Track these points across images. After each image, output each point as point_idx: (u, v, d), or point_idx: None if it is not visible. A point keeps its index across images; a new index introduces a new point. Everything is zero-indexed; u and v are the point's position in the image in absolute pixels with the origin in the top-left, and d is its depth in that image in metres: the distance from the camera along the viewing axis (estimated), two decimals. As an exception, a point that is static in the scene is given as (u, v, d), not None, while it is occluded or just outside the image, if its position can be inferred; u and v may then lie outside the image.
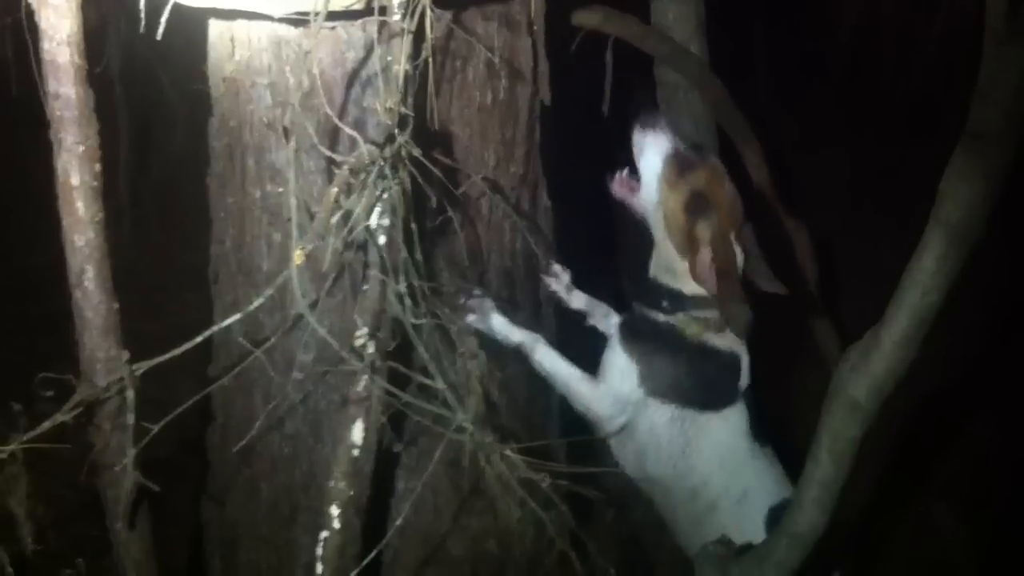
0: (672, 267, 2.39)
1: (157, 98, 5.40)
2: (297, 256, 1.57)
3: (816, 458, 1.87)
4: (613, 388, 2.40)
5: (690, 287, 2.37)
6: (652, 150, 2.39)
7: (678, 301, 2.39)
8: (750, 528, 2.34)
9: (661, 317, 2.40)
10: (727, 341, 2.40)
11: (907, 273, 1.72)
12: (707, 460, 2.40)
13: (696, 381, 2.39)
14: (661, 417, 2.39)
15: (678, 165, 2.36)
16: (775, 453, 2.48)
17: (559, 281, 2.61)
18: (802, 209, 3.62)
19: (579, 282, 2.64)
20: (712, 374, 2.42)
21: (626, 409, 2.40)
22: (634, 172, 2.44)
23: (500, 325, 2.36)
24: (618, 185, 2.46)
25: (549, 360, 2.39)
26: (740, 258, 2.34)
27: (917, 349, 1.74)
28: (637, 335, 2.42)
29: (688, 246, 2.33)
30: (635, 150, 2.42)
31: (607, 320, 2.62)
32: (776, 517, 2.24)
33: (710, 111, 3.45)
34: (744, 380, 2.44)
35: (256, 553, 2.50)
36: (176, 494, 2.56)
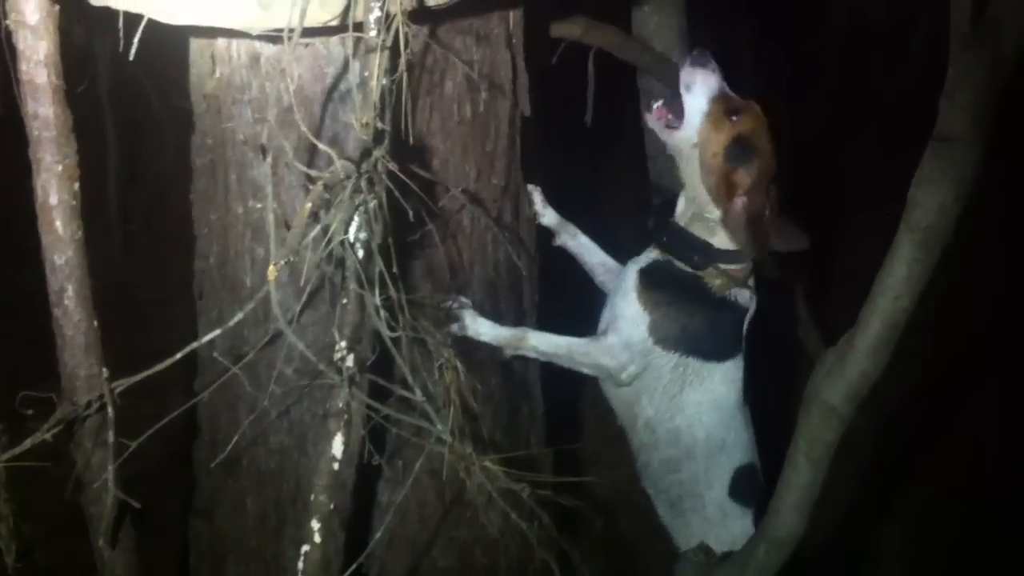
0: (703, 216, 2.37)
1: (147, 115, 5.42)
2: (271, 272, 1.57)
3: (794, 462, 1.89)
4: (623, 336, 2.38)
5: (720, 240, 2.36)
6: (700, 88, 2.35)
7: (707, 255, 2.37)
8: (716, 482, 2.39)
9: (687, 268, 2.39)
10: (745, 296, 2.40)
11: (879, 279, 1.74)
12: (697, 405, 2.41)
13: (709, 333, 2.39)
14: (665, 364, 2.39)
15: (726, 107, 2.33)
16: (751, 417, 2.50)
17: (535, 197, 2.63)
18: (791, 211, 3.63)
19: (565, 297, 2.66)
20: (726, 327, 2.42)
21: (637, 359, 2.39)
22: (671, 106, 2.40)
23: (486, 328, 2.36)
24: (656, 115, 2.42)
25: (544, 342, 2.39)
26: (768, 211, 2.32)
27: (890, 353, 1.76)
28: (655, 286, 2.39)
29: (724, 191, 2.30)
30: (681, 85, 2.37)
31: (575, 240, 2.65)
32: (739, 481, 2.27)
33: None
34: (744, 334, 2.44)
35: (244, 567, 2.51)
36: (163, 509, 2.57)
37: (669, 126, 2.39)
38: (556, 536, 2.06)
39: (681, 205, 2.44)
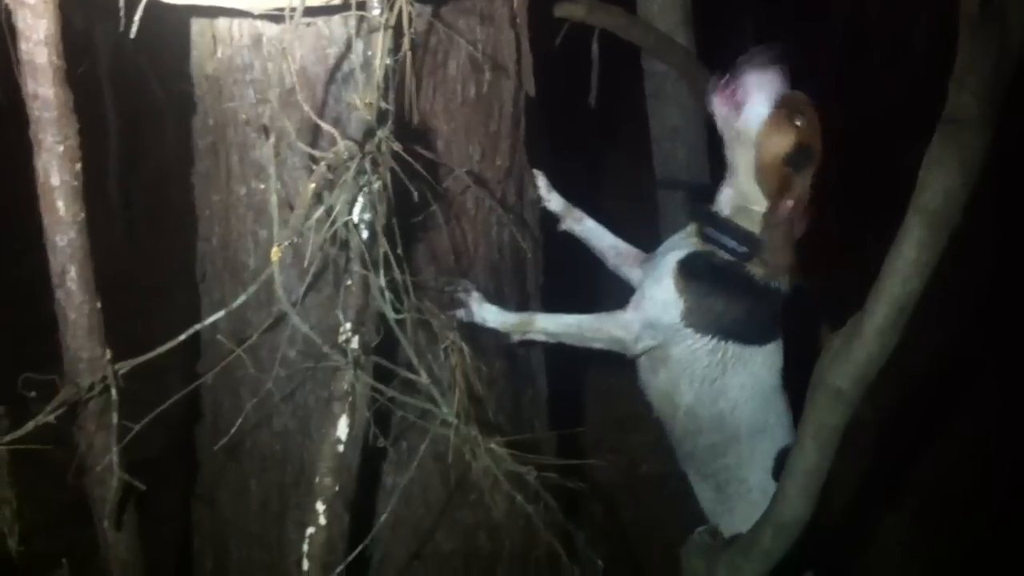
0: (749, 208, 2.35)
1: (149, 97, 5.40)
2: (274, 253, 1.56)
3: (800, 447, 1.88)
4: (647, 316, 2.36)
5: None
6: (766, 88, 2.30)
7: (753, 244, 2.34)
8: (760, 465, 2.37)
9: (729, 258, 2.36)
10: (785, 284, 2.38)
11: (887, 262, 1.73)
12: (740, 388, 2.39)
13: (749, 319, 2.36)
14: (702, 347, 2.37)
15: (791, 110, 2.29)
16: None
17: (540, 182, 2.62)
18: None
19: (569, 280, 2.65)
20: (765, 312, 2.40)
21: (657, 335, 2.37)
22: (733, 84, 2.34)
23: (493, 314, 2.34)
24: (720, 95, 2.36)
25: (553, 322, 2.37)
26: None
27: (898, 337, 1.75)
28: (694, 275, 2.36)
29: (778, 193, 2.28)
30: (746, 82, 2.31)
31: (581, 224, 2.63)
32: (782, 459, 2.23)
33: (697, 100, 3.44)
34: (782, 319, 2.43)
35: (248, 551, 2.50)
36: (166, 493, 2.57)
37: (735, 109, 2.33)
38: (561, 519, 2.05)
39: (725, 194, 2.40)
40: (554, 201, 2.64)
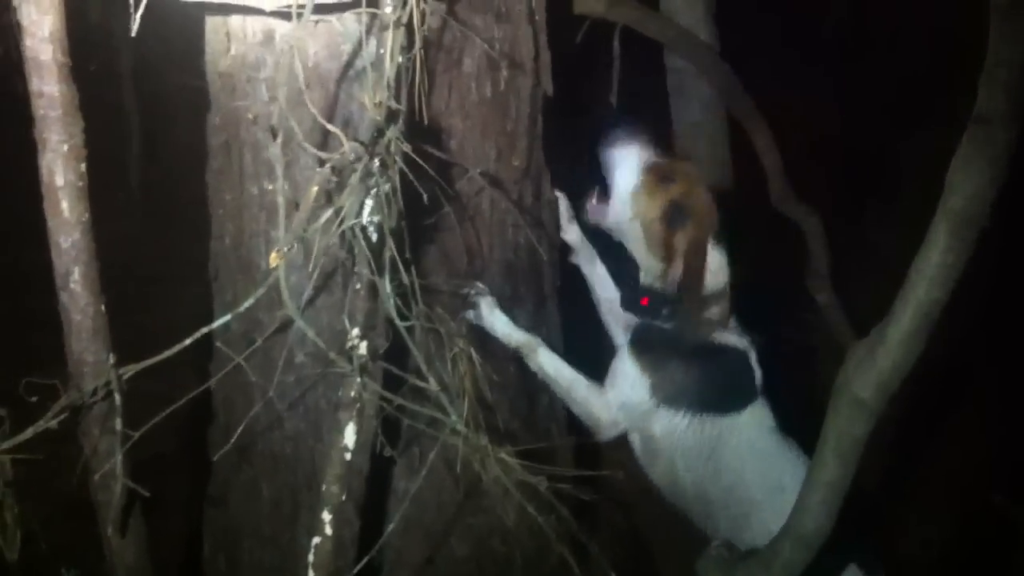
0: (661, 274, 2.37)
1: (167, 94, 5.40)
2: (273, 258, 1.52)
3: (822, 458, 1.82)
4: (622, 396, 2.36)
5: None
6: (626, 164, 2.38)
7: (677, 304, 2.35)
8: None
9: (666, 324, 2.37)
10: (733, 338, 2.37)
11: (914, 267, 1.67)
12: (739, 460, 2.35)
13: (711, 386, 2.36)
14: (679, 425, 2.35)
15: (656, 176, 2.36)
16: (799, 446, 2.43)
17: (561, 209, 2.60)
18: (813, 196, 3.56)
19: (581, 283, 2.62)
20: (726, 376, 2.38)
21: (631, 417, 2.37)
22: (603, 193, 2.43)
23: (501, 325, 2.33)
24: (592, 211, 2.46)
25: (550, 364, 2.36)
26: (720, 270, 2.34)
27: (923, 345, 1.69)
28: (646, 345, 2.38)
29: (667, 254, 2.33)
30: (606, 165, 2.41)
31: (591, 266, 2.62)
32: None
33: (719, 97, 3.40)
34: (758, 375, 2.39)
35: (260, 553, 2.48)
36: (174, 492, 2.54)
37: (603, 211, 2.42)
38: (574, 529, 2.01)
39: (642, 271, 2.43)
40: (571, 233, 2.62)
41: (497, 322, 2.32)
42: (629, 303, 2.45)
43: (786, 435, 2.42)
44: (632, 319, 2.46)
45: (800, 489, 1.91)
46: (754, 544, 2.32)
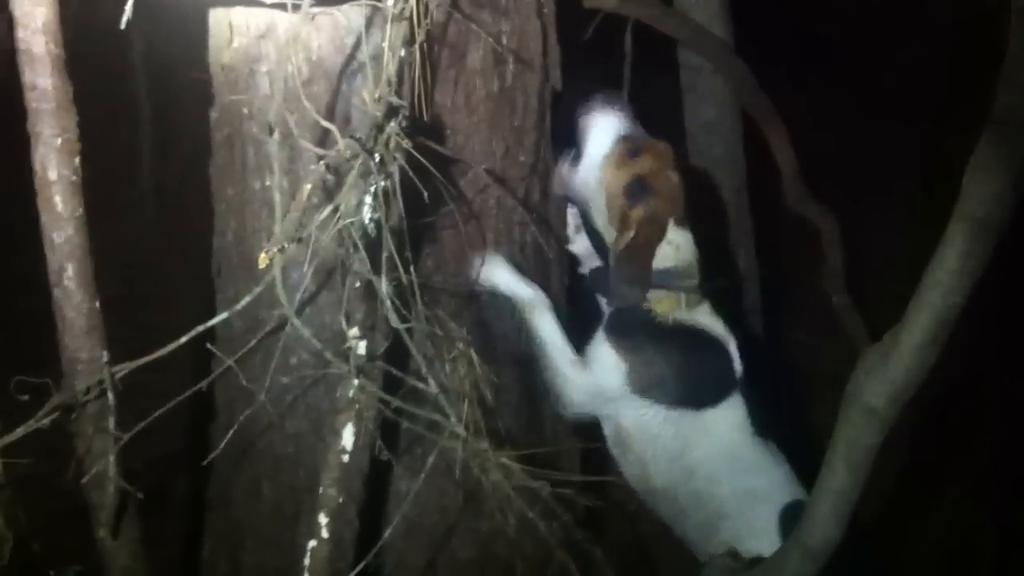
0: (614, 243, 2.31)
1: (178, 88, 5.38)
2: (262, 259, 1.48)
3: (831, 467, 1.77)
4: (597, 380, 2.31)
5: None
6: (601, 131, 2.35)
7: (616, 271, 2.30)
8: (762, 532, 2.22)
9: (636, 305, 2.32)
10: (706, 319, 2.33)
11: (928, 272, 1.61)
12: (709, 460, 2.29)
13: (688, 376, 2.30)
14: (653, 419, 2.29)
15: (627, 149, 2.32)
16: (778, 448, 2.37)
17: (569, 220, 2.58)
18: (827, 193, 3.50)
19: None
20: (703, 366, 2.33)
21: (599, 403, 2.33)
22: (576, 161, 2.40)
23: (507, 278, 2.30)
24: (560, 178, 2.44)
25: (546, 327, 2.31)
26: (686, 246, 2.31)
27: (938, 353, 1.63)
28: (622, 330, 2.33)
29: (621, 227, 2.28)
30: (583, 130, 2.38)
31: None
32: (788, 519, 2.14)
33: (733, 94, 3.34)
34: (737, 367, 2.34)
35: (261, 554, 2.45)
36: (172, 489, 2.51)
37: (571, 175, 2.40)
38: (576, 534, 1.97)
39: (611, 252, 2.37)
40: (579, 245, 2.57)
41: (502, 277, 2.30)
42: (592, 280, 2.44)
43: (765, 435, 2.34)
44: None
45: (810, 497, 1.86)
46: (721, 550, 2.28)
